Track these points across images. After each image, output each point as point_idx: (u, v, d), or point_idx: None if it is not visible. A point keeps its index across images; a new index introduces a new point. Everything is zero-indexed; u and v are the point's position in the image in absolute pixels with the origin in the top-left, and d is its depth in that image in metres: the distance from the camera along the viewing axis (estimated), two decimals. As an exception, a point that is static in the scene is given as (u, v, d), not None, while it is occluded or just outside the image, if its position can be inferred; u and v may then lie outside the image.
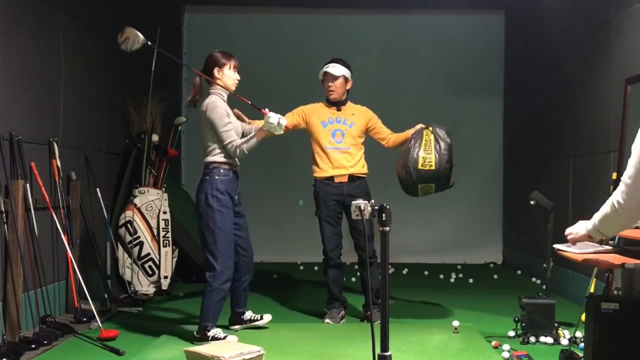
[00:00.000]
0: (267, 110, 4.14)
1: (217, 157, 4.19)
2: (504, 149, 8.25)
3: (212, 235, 4.14)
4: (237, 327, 4.49)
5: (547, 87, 6.60)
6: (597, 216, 2.68)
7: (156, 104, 6.14)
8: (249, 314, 4.55)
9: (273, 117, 4.05)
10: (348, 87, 4.85)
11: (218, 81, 4.25)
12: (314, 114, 4.83)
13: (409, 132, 4.69)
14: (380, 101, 8.38)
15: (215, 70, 4.24)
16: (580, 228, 2.82)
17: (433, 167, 4.43)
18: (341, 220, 4.83)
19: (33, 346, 3.92)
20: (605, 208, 2.60)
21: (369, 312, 4.79)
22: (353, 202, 3.13)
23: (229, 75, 4.26)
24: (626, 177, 2.48)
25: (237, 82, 4.31)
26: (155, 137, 6.05)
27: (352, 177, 4.77)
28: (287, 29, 8.23)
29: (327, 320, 4.76)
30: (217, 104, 4.16)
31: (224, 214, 4.16)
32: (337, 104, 4.84)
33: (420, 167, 4.43)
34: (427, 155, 4.44)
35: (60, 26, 4.92)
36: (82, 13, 5.32)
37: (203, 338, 4.10)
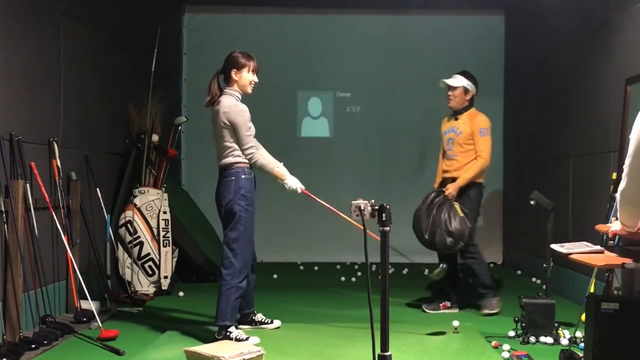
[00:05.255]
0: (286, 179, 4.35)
1: (240, 157, 4.21)
2: (504, 149, 8.24)
3: (236, 232, 4.16)
4: (245, 327, 4.48)
5: (547, 87, 6.59)
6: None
7: (156, 104, 6.14)
8: (260, 316, 4.57)
9: (289, 183, 4.33)
10: (468, 97, 5.13)
11: (235, 83, 4.25)
12: (442, 126, 5.26)
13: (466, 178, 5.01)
14: (380, 101, 8.44)
15: (233, 72, 4.22)
16: (615, 223, 2.97)
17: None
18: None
19: (33, 346, 3.91)
20: (617, 198, 2.73)
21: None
22: (353, 202, 3.11)
23: (246, 78, 4.25)
24: (625, 166, 2.60)
25: (253, 84, 4.30)
26: (155, 137, 6.05)
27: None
28: (287, 29, 8.22)
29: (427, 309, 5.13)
30: (242, 108, 4.17)
31: (250, 212, 4.20)
32: (455, 112, 5.12)
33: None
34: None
35: (60, 26, 4.92)
36: (82, 13, 5.31)
37: (225, 340, 4.06)
